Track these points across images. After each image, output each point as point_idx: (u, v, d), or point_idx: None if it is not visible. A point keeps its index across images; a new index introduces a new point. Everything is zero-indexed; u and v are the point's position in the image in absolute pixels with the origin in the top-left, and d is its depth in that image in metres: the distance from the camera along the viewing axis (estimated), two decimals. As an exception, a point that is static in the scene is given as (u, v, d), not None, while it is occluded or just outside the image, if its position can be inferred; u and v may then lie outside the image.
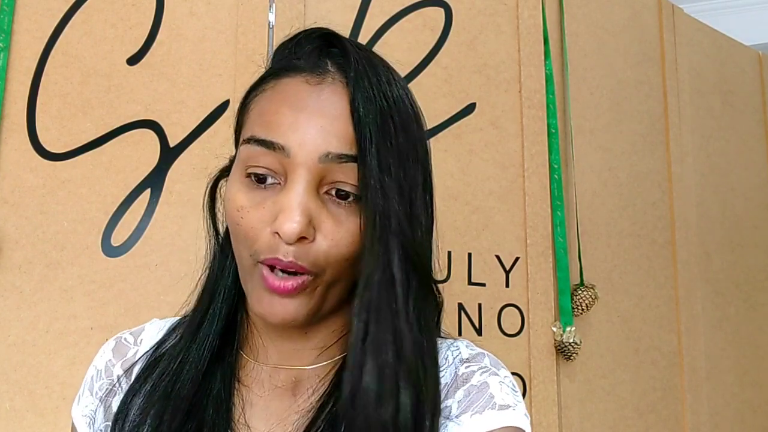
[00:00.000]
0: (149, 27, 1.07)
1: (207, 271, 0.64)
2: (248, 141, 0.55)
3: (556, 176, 1.22)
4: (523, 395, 1.14)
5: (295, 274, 0.53)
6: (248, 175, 0.55)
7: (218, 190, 0.63)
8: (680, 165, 1.44)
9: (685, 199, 1.44)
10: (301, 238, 0.52)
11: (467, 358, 0.60)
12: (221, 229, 0.64)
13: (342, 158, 0.53)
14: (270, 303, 0.53)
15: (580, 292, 1.20)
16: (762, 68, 1.69)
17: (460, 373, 0.59)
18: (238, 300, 0.62)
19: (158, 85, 1.05)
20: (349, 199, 0.54)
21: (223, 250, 0.63)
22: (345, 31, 1.13)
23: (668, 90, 1.45)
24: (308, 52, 0.58)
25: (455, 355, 0.60)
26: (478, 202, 1.17)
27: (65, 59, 1.04)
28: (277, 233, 0.52)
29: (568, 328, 1.16)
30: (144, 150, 1.03)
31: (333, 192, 0.54)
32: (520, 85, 1.23)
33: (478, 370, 0.59)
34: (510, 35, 1.24)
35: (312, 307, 0.54)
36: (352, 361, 0.52)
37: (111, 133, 1.03)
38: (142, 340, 0.65)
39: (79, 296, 0.98)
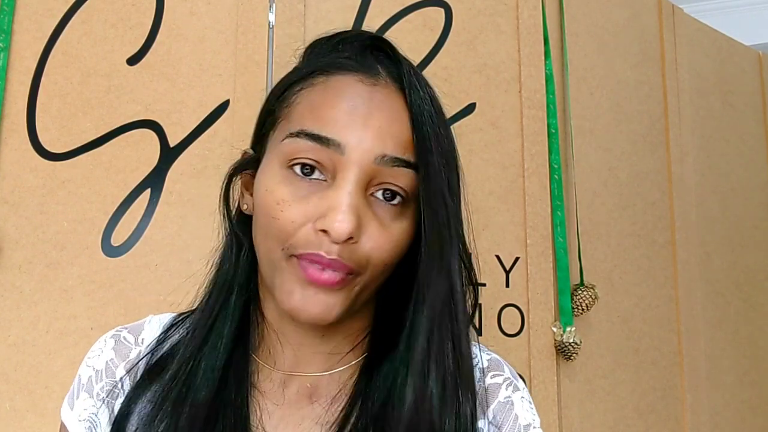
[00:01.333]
0: (149, 27, 1.07)
1: (218, 267, 0.61)
2: (297, 135, 0.52)
3: (556, 176, 1.22)
4: (523, 395, 1.14)
5: (333, 271, 0.51)
6: (290, 167, 0.52)
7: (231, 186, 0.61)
8: (680, 165, 1.44)
9: (685, 199, 1.43)
10: (348, 238, 0.50)
11: (488, 367, 0.60)
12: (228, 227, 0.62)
13: (396, 162, 0.52)
14: (303, 297, 0.51)
15: (580, 292, 1.20)
16: (762, 68, 1.69)
17: (486, 386, 0.58)
18: (251, 300, 0.60)
19: (158, 85, 1.05)
20: (395, 201, 0.53)
21: (238, 241, 0.60)
22: (345, 31, 1.13)
23: (668, 90, 1.45)
24: (358, 52, 0.57)
25: (475, 362, 0.59)
26: (478, 202, 1.17)
27: (65, 59, 1.04)
28: (323, 231, 0.50)
29: (568, 328, 1.16)
30: (144, 150, 1.03)
31: (380, 193, 0.53)
32: (520, 85, 1.23)
33: (503, 383, 0.59)
34: (510, 35, 1.24)
35: (346, 306, 0.53)
36: (418, 369, 0.52)
37: (111, 133, 1.03)
38: (143, 339, 0.62)
39: (79, 296, 0.98)
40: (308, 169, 0.52)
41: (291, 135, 0.53)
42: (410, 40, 1.17)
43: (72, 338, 0.97)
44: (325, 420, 0.55)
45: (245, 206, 0.59)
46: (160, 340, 0.61)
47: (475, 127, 1.19)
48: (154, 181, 1.02)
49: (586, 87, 1.33)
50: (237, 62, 1.07)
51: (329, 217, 0.50)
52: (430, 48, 1.18)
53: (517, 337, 1.15)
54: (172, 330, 0.62)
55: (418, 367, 0.52)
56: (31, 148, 1.01)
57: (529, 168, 1.21)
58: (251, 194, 0.58)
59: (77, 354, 0.96)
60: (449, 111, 1.19)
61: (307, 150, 0.52)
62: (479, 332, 1.13)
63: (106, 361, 0.60)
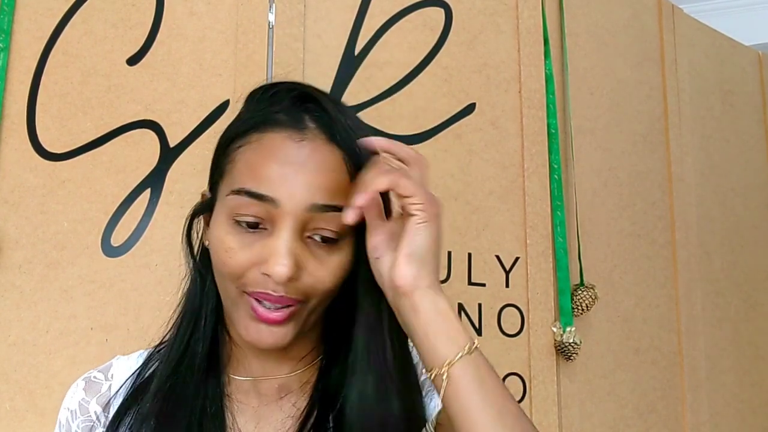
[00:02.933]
0: (149, 27, 1.07)
1: (186, 296, 0.69)
2: (238, 192, 0.60)
3: (556, 176, 1.22)
4: (523, 395, 1.14)
5: (278, 309, 0.59)
6: (236, 222, 0.60)
7: (194, 225, 0.69)
8: (680, 165, 1.44)
9: (685, 199, 1.43)
10: (289, 279, 0.58)
11: None
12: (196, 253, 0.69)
13: (326, 208, 0.59)
14: (257, 331, 0.59)
15: (580, 292, 1.20)
16: (762, 68, 1.69)
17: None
18: (219, 321, 0.67)
19: (158, 85, 1.05)
20: (329, 242, 0.60)
21: (202, 276, 0.67)
22: (345, 31, 1.13)
23: (668, 90, 1.45)
24: (287, 107, 0.64)
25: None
26: (478, 202, 1.17)
27: (65, 59, 1.04)
28: (266, 274, 0.58)
29: (568, 328, 1.16)
30: (144, 150, 1.03)
31: (316, 236, 0.60)
32: (520, 85, 1.23)
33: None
34: (510, 35, 1.24)
35: (297, 330, 0.61)
36: (359, 368, 0.61)
37: (111, 133, 1.03)
38: (113, 375, 0.68)
39: (79, 296, 0.98)
40: (252, 225, 0.60)
41: (233, 192, 0.60)
42: (410, 40, 1.17)
43: (72, 338, 0.97)
44: (293, 413, 0.63)
45: (207, 242, 0.67)
46: (139, 370, 0.68)
47: (475, 127, 1.19)
48: (154, 181, 1.02)
49: (586, 87, 1.33)
50: (237, 62, 1.07)
51: (270, 262, 0.57)
52: (430, 48, 1.18)
53: (517, 337, 1.15)
54: (152, 362, 0.68)
55: (359, 367, 0.61)
56: (31, 148, 1.01)
57: (529, 168, 1.21)
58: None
59: (77, 354, 0.96)
60: (449, 111, 1.19)
61: (248, 206, 0.59)
62: (479, 332, 1.13)
63: (79, 401, 0.67)
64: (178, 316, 0.68)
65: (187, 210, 1.02)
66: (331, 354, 0.66)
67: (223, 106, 1.06)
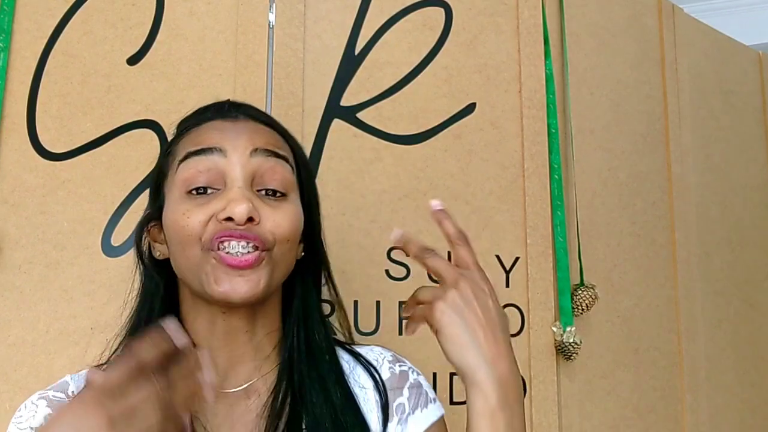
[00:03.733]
0: (149, 27, 1.07)
1: (137, 305, 0.70)
2: (185, 158, 0.63)
3: (556, 176, 1.22)
4: (524, 395, 1.13)
5: (248, 252, 0.60)
6: (189, 193, 0.63)
7: (143, 238, 0.71)
8: (680, 165, 1.44)
9: (685, 199, 1.43)
10: (250, 220, 0.60)
11: (393, 359, 0.73)
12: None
13: (269, 153, 0.64)
14: (231, 283, 0.60)
15: (580, 292, 1.20)
16: (762, 68, 1.69)
17: (397, 372, 0.71)
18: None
19: (158, 85, 1.05)
20: (276, 195, 0.64)
21: (154, 282, 0.70)
22: (345, 31, 1.13)
23: (668, 90, 1.45)
24: (216, 108, 0.71)
25: (383, 356, 0.73)
26: (478, 202, 1.17)
27: (65, 59, 1.04)
28: (227, 219, 0.60)
29: (568, 328, 1.16)
30: (144, 150, 1.03)
31: (263, 192, 0.64)
32: (520, 85, 1.23)
33: (408, 369, 0.72)
34: (510, 35, 1.24)
35: (267, 280, 0.62)
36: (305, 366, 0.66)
37: (111, 133, 1.03)
38: (72, 392, 0.68)
39: (79, 296, 0.98)
40: (202, 190, 0.62)
41: (180, 162, 0.64)
42: (410, 40, 1.17)
43: (72, 338, 0.97)
44: (263, 412, 0.64)
45: (158, 253, 0.69)
46: None
47: (475, 127, 1.19)
48: (154, 181, 1.02)
49: (586, 87, 1.33)
50: (237, 62, 1.07)
51: (229, 206, 0.60)
52: (430, 48, 1.18)
53: (517, 337, 1.15)
54: None
55: (304, 365, 0.66)
56: (31, 148, 1.01)
57: (529, 168, 1.20)
58: (160, 242, 0.69)
59: (77, 354, 0.96)
60: (449, 111, 1.19)
61: (196, 167, 0.62)
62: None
63: (44, 417, 0.64)
64: (131, 326, 0.70)
65: (187, 210, 1.02)
66: (286, 358, 0.68)
67: (223, 106, 1.06)
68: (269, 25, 1.08)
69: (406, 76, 1.16)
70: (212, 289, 0.61)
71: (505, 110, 1.21)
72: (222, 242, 0.60)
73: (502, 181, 1.19)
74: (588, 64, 1.34)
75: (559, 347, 1.16)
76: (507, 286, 1.16)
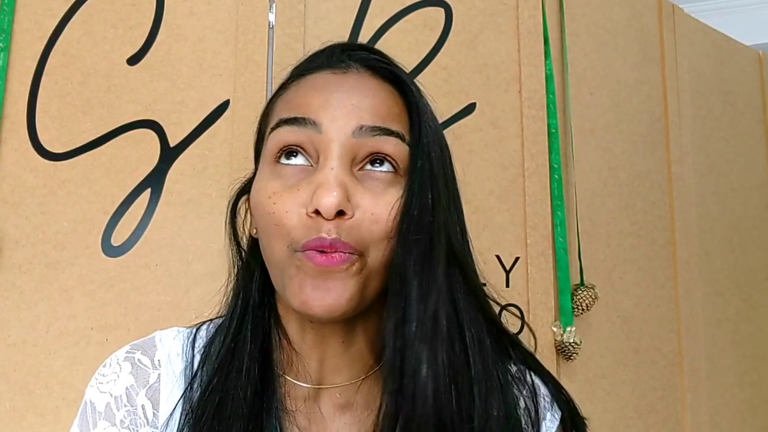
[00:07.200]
0: (149, 27, 1.07)
1: (234, 293, 0.61)
2: (276, 126, 0.53)
3: (556, 176, 1.22)
4: (523, 395, 1.14)
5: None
6: (277, 159, 0.53)
7: (238, 210, 0.61)
8: (680, 165, 1.44)
9: (685, 199, 1.43)
10: (341, 214, 0.50)
11: (546, 398, 0.64)
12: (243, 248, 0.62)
13: (376, 131, 0.52)
14: (314, 287, 0.50)
15: (580, 292, 1.20)
16: (762, 68, 1.69)
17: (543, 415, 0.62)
18: (269, 319, 0.59)
19: (158, 85, 1.05)
20: (384, 168, 0.53)
21: (249, 270, 0.60)
22: (345, 31, 1.13)
23: (668, 90, 1.45)
24: (328, 54, 0.59)
25: (539, 393, 0.64)
26: (478, 202, 1.17)
27: (65, 59, 1.04)
28: (316, 212, 0.50)
29: (568, 328, 1.16)
30: (144, 150, 1.03)
31: (367, 165, 0.53)
32: (520, 85, 1.23)
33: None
34: (510, 35, 1.24)
35: (354, 292, 0.51)
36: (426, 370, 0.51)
37: (111, 133, 1.03)
38: (159, 361, 0.59)
39: (79, 296, 0.98)
40: (293, 155, 0.53)
41: (271, 130, 0.54)
42: (410, 40, 1.17)
43: (72, 338, 0.97)
44: (359, 429, 0.56)
45: (254, 230, 0.59)
46: (188, 366, 0.59)
47: (475, 127, 1.19)
48: (154, 181, 1.02)
49: (586, 87, 1.33)
50: (237, 62, 1.07)
51: (317, 195, 0.50)
52: (430, 48, 1.18)
53: (517, 337, 1.15)
54: (198, 359, 0.60)
55: (426, 368, 0.51)
56: (31, 148, 1.01)
57: (529, 168, 1.20)
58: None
59: (77, 354, 0.96)
60: (449, 111, 1.19)
61: (288, 136, 0.52)
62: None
63: (126, 387, 0.58)
64: (227, 316, 0.60)
65: (188, 210, 1.02)
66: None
67: (223, 107, 1.06)
68: (269, 25, 1.08)
69: (406, 76, 1.16)
70: (293, 293, 0.51)
71: (505, 110, 1.21)
72: (309, 249, 0.51)
73: (502, 181, 1.19)
74: (588, 64, 1.34)
75: (559, 347, 1.16)
76: (507, 286, 1.16)
